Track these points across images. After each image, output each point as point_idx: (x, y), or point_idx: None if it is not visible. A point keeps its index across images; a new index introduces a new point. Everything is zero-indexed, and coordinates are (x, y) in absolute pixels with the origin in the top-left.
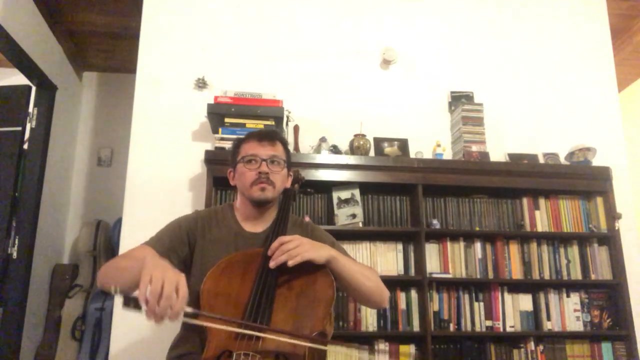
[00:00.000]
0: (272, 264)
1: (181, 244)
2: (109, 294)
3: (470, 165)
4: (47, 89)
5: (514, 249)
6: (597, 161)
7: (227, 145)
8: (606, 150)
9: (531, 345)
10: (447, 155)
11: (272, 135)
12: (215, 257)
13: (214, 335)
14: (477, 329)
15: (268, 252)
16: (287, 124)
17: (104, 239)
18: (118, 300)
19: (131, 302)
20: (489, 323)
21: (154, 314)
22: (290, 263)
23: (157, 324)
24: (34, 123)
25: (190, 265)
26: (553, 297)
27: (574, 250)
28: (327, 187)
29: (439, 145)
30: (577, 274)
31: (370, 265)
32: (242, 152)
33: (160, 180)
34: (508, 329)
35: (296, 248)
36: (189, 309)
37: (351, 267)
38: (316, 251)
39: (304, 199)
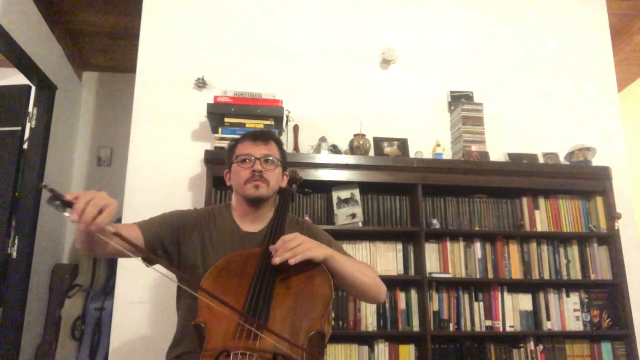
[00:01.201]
0: (277, 260)
1: (169, 240)
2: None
3: (470, 165)
4: (47, 89)
5: (513, 249)
6: (597, 161)
7: (227, 145)
8: (606, 150)
9: (531, 345)
10: (447, 155)
11: (267, 135)
12: (214, 257)
13: (213, 334)
14: (477, 329)
15: (271, 250)
16: (287, 124)
17: None
18: (118, 300)
19: (59, 200)
20: (489, 323)
21: (78, 215)
22: (292, 262)
23: (81, 229)
24: (34, 123)
25: (179, 263)
26: (553, 297)
27: (574, 250)
28: (327, 187)
29: (439, 145)
30: (577, 274)
31: (370, 265)
32: (236, 152)
33: (160, 180)
34: (508, 329)
35: (299, 246)
36: (112, 229)
37: (348, 264)
38: (315, 250)
39: (303, 199)
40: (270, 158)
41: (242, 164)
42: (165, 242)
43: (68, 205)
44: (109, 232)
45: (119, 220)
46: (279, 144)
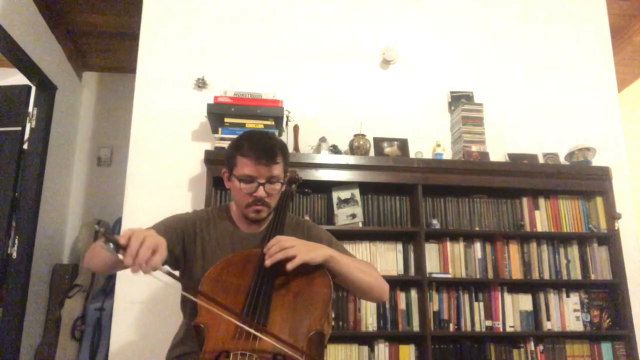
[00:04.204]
0: (267, 262)
1: (174, 244)
2: (93, 272)
3: (470, 165)
4: (47, 89)
5: (513, 249)
6: (597, 161)
7: (227, 145)
8: (606, 150)
9: (531, 345)
10: (447, 155)
11: (271, 153)
12: (214, 258)
13: (212, 335)
14: (477, 329)
15: (264, 250)
16: (287, 124)
17: None
18: (118, 300)
19: (113, 242)
20: (488, 323)
21: (132, 258)
22: (289, 267)
23: (132, 272)
24: (33, 123)
25: (183, 266)
26: (553, 297)
27: (574, 250)
28: (327, 187)
29: (438, 145)
30: (577, 274)
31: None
32: (238, 166)
33: (160, 180)
34: (508, 329)
35: (292, 248)
36: (166, 269)
37: (349, 264)
38: (312, 253)
39: (303, 199)
40: (274, 179)
41: (243, 184)
42: (172, 247)
43: (121, 247)
44: (162, 271)
45: (119, 221)
46: (284, 154)
